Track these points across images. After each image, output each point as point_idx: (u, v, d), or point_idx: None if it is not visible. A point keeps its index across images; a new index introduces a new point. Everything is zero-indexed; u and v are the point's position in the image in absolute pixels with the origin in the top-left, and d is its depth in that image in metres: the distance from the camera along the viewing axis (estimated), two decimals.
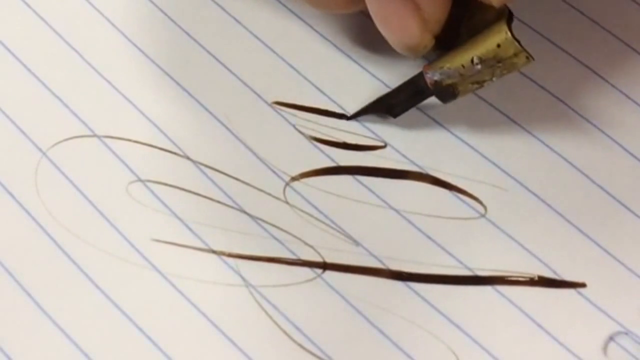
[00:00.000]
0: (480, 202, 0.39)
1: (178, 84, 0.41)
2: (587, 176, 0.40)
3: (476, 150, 0.40)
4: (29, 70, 0.41)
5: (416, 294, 0.37)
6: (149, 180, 0.39)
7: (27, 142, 0.39)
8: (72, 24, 0.42)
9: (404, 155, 0.40)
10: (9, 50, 0.42)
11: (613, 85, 0.42)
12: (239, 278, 0.37)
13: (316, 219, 0.38)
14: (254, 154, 0.40)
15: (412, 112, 0.40)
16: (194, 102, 0.41)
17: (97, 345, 0.35)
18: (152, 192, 0.39)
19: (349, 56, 0.42)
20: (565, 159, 0.40)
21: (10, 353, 0.35)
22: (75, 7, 0.43)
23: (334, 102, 0.41)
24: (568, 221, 0.38)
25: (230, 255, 0.37)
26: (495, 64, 0.37)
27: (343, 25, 0.43)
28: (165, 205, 0.38)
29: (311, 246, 0.38)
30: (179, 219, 0.38)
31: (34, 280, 0.36)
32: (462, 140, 0.40)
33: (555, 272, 0.37)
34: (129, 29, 0.42)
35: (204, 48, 0.42)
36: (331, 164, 0.40)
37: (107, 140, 0.40)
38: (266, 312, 0.36)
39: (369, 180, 0.39)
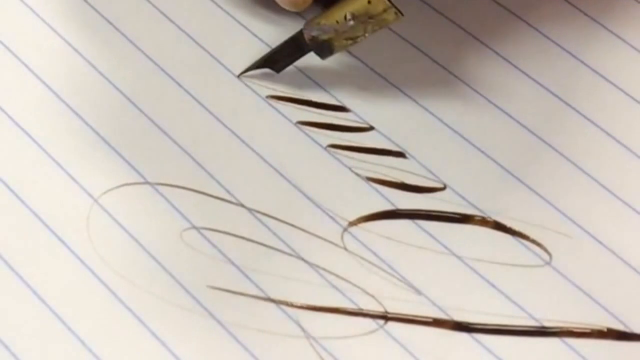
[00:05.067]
0: (545, 249, 0.38)
1: (228, 128, 0.40)
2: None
3: (539, 195, 0.39)
4: (79, 116, 0.41)
5: (482, 346, 0.36)
6: (203, 228, 0.38)
7: (78, 189, 0.39)
8: (120, 68, 0.42)
9: (463, 198, 0.39)
10: (59, 97, 0.41)
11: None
12: (299, 329, 0.36)
13: (376, 266, 0.37)
14: (309, 199, 0.39)
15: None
16: (244, 147, 0.40)
17: None
18: (207, 239, 0.38)
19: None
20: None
21: None
22: (123, 53, 0.43)
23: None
24: (636, 271, 0.38)
25: (289, 304, 0.37)
26: (367, 19, 0.39)
27: None
28: (221, 252, 0.38)
29: (372, 295, 0.37)
30: (235, 266, 0.37)
31: (90, 330, 0.36)
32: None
33: (625, 324, 0.36)
34: (180, 73, 0.42)
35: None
36: (389, 207, 0.39)
37: (160, 188, 0.39)
38: None
39: (429, 224, 0.38)
